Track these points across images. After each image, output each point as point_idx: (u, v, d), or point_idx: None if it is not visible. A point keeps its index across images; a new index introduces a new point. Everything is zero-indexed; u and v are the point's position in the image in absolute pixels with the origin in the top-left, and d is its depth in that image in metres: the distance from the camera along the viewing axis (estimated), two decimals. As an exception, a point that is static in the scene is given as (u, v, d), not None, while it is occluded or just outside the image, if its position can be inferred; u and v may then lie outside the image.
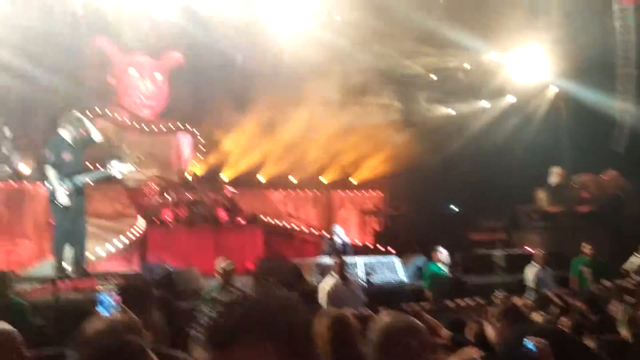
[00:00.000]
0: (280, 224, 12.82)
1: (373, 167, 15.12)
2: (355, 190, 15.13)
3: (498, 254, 10.84)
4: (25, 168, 11.46)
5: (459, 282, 8.13)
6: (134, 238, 10.27)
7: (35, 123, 11.62)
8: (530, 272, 8.32)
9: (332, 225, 11.24)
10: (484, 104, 15.02)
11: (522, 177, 11.88)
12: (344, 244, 10.08)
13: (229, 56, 14.15)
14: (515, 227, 12.15)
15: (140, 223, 10.79)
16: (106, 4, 12.37)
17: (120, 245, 9.96)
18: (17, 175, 11.02)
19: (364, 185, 15.26)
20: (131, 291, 3.20)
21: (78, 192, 7.03)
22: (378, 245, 12.04)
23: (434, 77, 15.40)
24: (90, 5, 12.15)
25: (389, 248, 11.43)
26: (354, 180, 15.43)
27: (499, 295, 5.45)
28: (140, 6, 12.74)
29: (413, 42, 14.28)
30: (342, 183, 15.23)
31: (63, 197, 6.81)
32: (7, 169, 10.58)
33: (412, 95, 15.05)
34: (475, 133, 14.01)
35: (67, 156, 6.99)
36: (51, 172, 6.91)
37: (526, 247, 10.89)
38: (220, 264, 5.86)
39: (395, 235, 12.40)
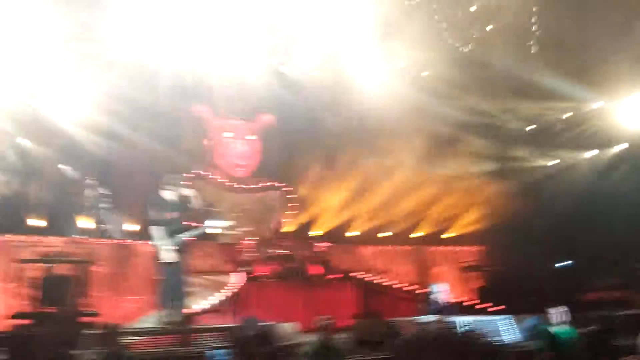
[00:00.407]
0: (373, 281, 12.52)
1: (470, 221, 14.59)
2: (451, 245, 14.61)
3: (615, 314, 9.89)
4: (129, 227, 12.24)
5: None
6: (229, 293, 10.42)
7: (136, 186, 12.39)
8: None
9: (430, 284, 10.78)
10: (592, 154, 14.12)
11: (637, 230, 10.84)
12: (443, 302, 9.61)
13: (317, 115, 14.53)
14: (635, 286, 11.02)
15: (235, 278, 10.97)
16: (203, 75, 13.31)
17: (217, 300, 10.12)
18: (122, 234, 11.78)
19: (458, 241, 14.70)
20: (240, 345, 3.30)
21: (180, 249, 7.30)
22: (481, 303, 11.34)
23: (533, 128, 14.86)
24: (189, 76, 13.14)
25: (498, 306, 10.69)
26: (446, 236, 14.94)
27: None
28: (233, 73, 13.56)
29: (510, 94, 13.92)
30: (436, 239, 14.79)
31: (168, 254, 7.09)
32: (109, 228, 11.26)
33: (511, 147, 14.51)
34: (584, 185, 13.11)
35: (169, 215, 7.32)
36: (156, 231, 7.25)
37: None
38: (321, 320, 5.72)
39: (500, 292, 11.61)
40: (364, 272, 12.61)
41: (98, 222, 11.00)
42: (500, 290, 11.68)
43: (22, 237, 10.29)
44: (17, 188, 11.08)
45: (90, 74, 11.76)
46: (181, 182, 7.56)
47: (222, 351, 2.89)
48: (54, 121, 11.75)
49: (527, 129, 14.88)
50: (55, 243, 9.85)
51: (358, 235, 14.42)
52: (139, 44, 12.16)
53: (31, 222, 11.21)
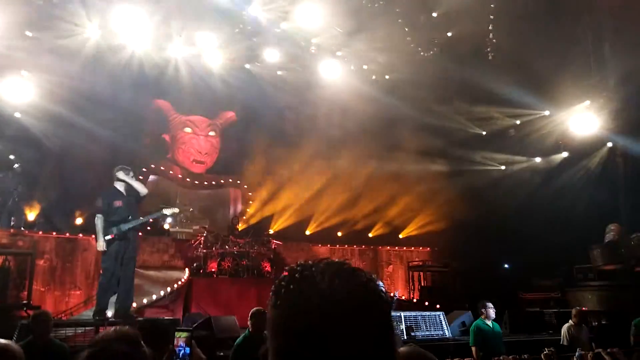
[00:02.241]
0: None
1: (421, 223, 14.87)
2: (402, 247, 14.86)
3: (550, 312, 10.39)
4: (78, 221, 12.04)
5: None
6: (178, 288, 10.38)
7: (92, 178, 12.23)
8: (564, 329, 8.06)
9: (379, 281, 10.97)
10: (538, 160, 14.64)
11: (577, 235, 11.30)
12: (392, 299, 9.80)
13: (279, 113, 14.59)
14: (571, 286, 11.58)
15: (185, 274, 10.94)
16: (165, 69, 13.23)
17: (164, 295, 10.07)
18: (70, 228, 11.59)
19: (412, 241, 14.97)
20: (153, 331, 3.44)
21: (122, 239, 7.15)
22: (424, 301, 11.64)
23: (484, 133, 15.26)
24: (152, 70, 13.04)
25: (436, 304, 11.07)
26: (401, 236, 15.19)
27: (547, 350, 5.09)
28: (196, 69, 13.51)
29: (466, 99, 14.27)
30: (391, 238, 15.02)
31: (102, 243, 7.02)
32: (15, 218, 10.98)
33: (462, 152, 14.86)
34: (529, 190, 13.58)
35: (117, 204, 7.23)
36: (99, 221, 7.17)
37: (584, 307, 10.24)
38: (253, 312, 5.72)
39: (443, 292, 12.00)
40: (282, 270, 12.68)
41: (8, 211, 10.65)
42: (443, 289, 12.02)
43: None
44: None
45: (50, 64, 11.55)
46: (131, 174, 7.45)
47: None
48: (6, 110, 11.51)
49: (481, 133, 15.25)
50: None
51: (314, 233, 14.50)
52: (103, 34, 12.02)
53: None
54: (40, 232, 10.72)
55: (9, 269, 8.65)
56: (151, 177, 13.87)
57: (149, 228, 12.00)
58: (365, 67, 14.94)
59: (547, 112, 13.92)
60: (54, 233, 10.99)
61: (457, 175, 14.35)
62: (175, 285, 10.31)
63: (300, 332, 0.91)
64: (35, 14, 11.35)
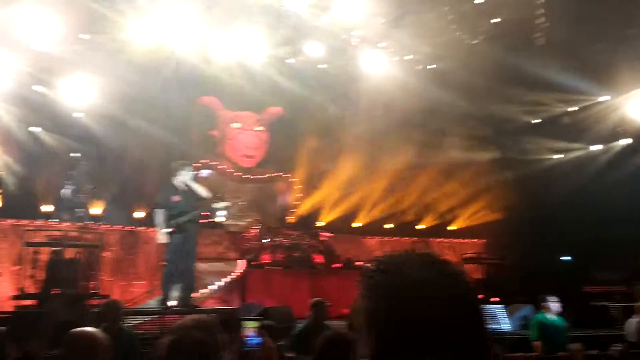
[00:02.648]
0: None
1: (473, 214, 14.68)
2: (454, 238, 14.73)
3: (616, 306, 9.97)
4: (139, 214, 12.58)
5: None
6: (234, 279, 10.68)
7: (149, 175, 12.72)
8: (631, 324, 7.62)
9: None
10: (595, 148, 14.09)
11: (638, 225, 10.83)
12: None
13: (324, 107, 14.68)
14: (638, 279, 11.04)
15: (240, 265, 11.23)
16: (212, 66, 13.56)
17: (221, 286, 10.39)
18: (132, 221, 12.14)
19: (464, 233, 14.81)
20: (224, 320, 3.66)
21: (181, 232, 7.38)
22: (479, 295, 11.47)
23: (536, 121, 14.87)
24: (198, 67, 13.40)
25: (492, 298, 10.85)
26: (452, 228, 15.06)
27: (618, 346, 4.96)
28: (241, 65, 13.78)
29: (516, 86, 13.91)
30: (441, 230, 14.91)
31: (162, 236, 7.29)
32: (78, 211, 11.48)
33: (517, 141, 14.50)
34: (587, 179, 13.08)
35: (175, 198, 7.50)
36: (159, 214, 7.46)
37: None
38: (315, 301, 5.86)
39: (499, 285, 11.74)
40: (368, 262, 12.76)
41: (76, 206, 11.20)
42: (498, 282, 11.79)
43: (36, 222, 10.71)
44: (30, 175, 11.43)
45: (101, 65, 12.07)
46: (188, 169, 7.70)
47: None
48: (66, 110, 12.13)
49: (533, 121, 14.86)
50: (66, 228, 10.19)
51: (363, 225, 14.56)
52: (150, 34, 12.42)
53: (45, 208, 11.58)
54: (106, 226, 11.28)
55: (79, 260, 9.15)
56: (203, 172, 14.26)
57: (203, 221, 12.36)
58: (409, 57, 14.84)
59: (604, 98, 13.40)
60: (118, 226, 11.56)
61: (509, 164, 14.04)
62: (231, 276, 10.61)
63: (395, 324, 0.92)
64: (88, 17, 11.82)
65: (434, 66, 14.83)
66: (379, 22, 13.35)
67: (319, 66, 14.50)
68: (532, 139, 14.53)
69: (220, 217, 11.13)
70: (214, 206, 7.51)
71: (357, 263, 12.36)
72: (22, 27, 10.84)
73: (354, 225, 14.55)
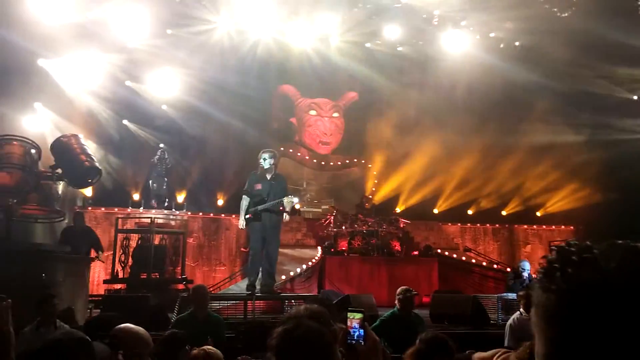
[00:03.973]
0: (457, 258, 12.29)
1: (561, 200, 13.81)
2: (541, 225, 13.96)
3: None
4: (220, 202, 13.00)
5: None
6: (312, 266, 10.74)
7: (229, 164, 13.09)
8: None
9: (520, 261, 10.39)
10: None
11: None
12: (531, 280, 9.22)
13: (403, 90, 14.34)
14: None
15: (319, 252, 11.27)
16: (288, 54, 13.66)
17: (300, 272, 10.47)
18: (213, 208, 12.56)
19: (552, 219, 13.99)
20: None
21: (260, 219, 7.40)
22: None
23: (635, 98, 13.68)
24: (276, 56, 13.55)
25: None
26: (539, 214, 14.27)
27: None
28: (318, 52, 13.78)
29: (610, 61, 12.84)
30: (527, 216, 14.18)
31: (242, 222, 7.40)
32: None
33: (608, 120, 13.42)
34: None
35: (257, 186, 7.55)
36: (243, 200, 7.57)
37: None
38: (402, 290, 5.67)
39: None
40: (448, 249, 12.42)
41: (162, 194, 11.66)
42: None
43: (126, 210, 11.32)
44: (121, 165, 12.07)
45: (185, 58, 12.53)
46: (270, 157, 7.70)
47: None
48: (152, 102, 12.72)
49: (631, 97, 13.65)
50: (153, 215, 10.66)
51: (443, 212, 14.15)
52: (230, 26, 12.70)
53: (134, 196, 12.24)
54: (189, 213, 11.73)
55: (165, 246, 9.57)
56: (284, 160, 14.43)
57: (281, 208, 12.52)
58: (492, 35, 14.15)
59: None
60: (200, 214, 11.98)
61: (603, 146, 12.97)
62: (310, 263, 10.67)
63: (584, 320, 0.82)
64: (173, 12, 12.28)
65: (518, 44, 14.05)
66: (460, 0, 12.84)
67: (398, 49, 14.19)
68: (630, 118, 13.36)
69: (297, 203, 11.21)
70: (289, 199, 7.41)
71: (437, 250, 12.04)
72: (113, 26, 11.48)
73: (433, 211, 14.15)
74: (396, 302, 5.58)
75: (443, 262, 11.63)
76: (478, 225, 13.95)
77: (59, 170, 6.49)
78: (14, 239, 6.25)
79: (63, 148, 6.54)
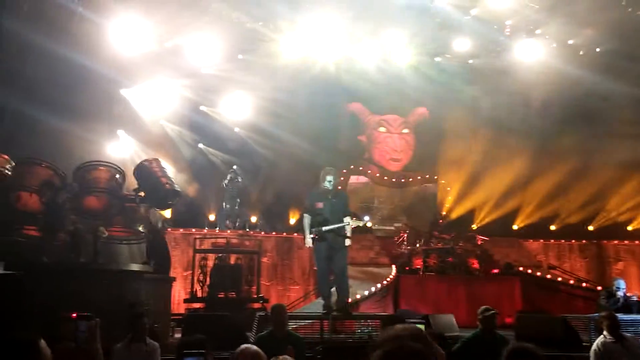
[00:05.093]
0: (543, 276, 11.61)
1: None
2: (634, 240, 12.98)
3: None
4: (292, 221, 13.13)
5: None
6: (386, 285, 10.51)
7: (299, 183, 13.22)
8: None
9: (613, 279, 9.63)
10: None
11: None
12: (627, 300, 8.50)
13: (472, 103, 13.95)
14: None
15: (393, 271, 11.03)
16: (356, 72, 13.67)
17: (374, 291, 10.27)
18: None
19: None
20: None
21: (324, 240, 7.26)
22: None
23: None
24: (343, 74, 13.61)
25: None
26: (630, 228, 13.29)
27: None
28: (387, 70, 13.71)
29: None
30: (616, 232, 13.24)
31: (308, 240, 7.30)
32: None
33: None
34: None
35: (319, 205, 7.46)
36: (306, 219, 7.50)
37: None
38: (484, 311, 5.39)
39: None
40: (531, 267, 11.78)
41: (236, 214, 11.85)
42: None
43: (203, 231, 11.65)
44: (197, 187, 12.49)
45: (257, 82, 12.88)
46: (334, 175, 7.62)
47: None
48: (225, 126, 13.14)
49: None
50: (228, 235, 10.90)
51: (523, 228, 13.50)
52: (297, 47, 12.93)
53: (209, 217, 12.61)
54: (262, 233, 11.90)
55: (241, 266, 9.73)
56: (353, 178, 14.37)
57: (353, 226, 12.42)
58: (570, 42, 13.48)
59: None
60: (273, 233, 12.13)
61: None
62: (384, 282, 10.46)
63: None
64: (244, 37, 12.65)
65: (599, 50, 13.28)
66: (534, 8, 12.36)
67: (469, 61, 13.85)
68: None
69: (368, 222, 11.09)
70: (347, 223, 7.21)
71: (518, 268, 11.45)
72: (187, 53, 12.02)
73: (512, 227, 13.54)
74: (478, 322, 5.32)
75: (526, 281, 11.02)
76: (562, 241, 13.17)
77: (142, 193, 6.75)
78: (101, 260, 6.54)
79: (145, 172, 6.82)
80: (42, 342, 1.88)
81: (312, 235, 7.22)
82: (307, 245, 7.38)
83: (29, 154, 7.19)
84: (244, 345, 2.79)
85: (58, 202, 6.50)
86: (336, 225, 7.13)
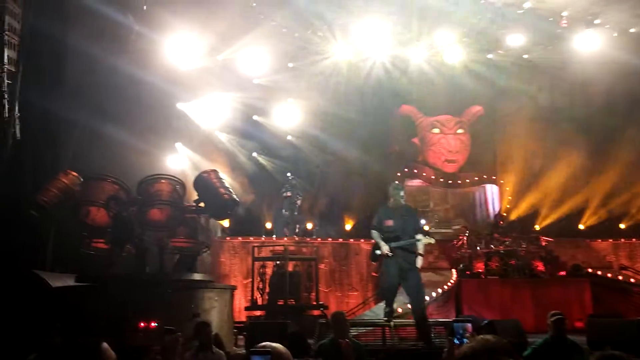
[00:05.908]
0: (612, 277, 11.04)
1: None
2: None
3: None
4: (347, 227, 13.12)
5: None
6: (447, 290, 10.28)
7: (352, 186, 13.17)
8: None
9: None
10: None
11: None
12: None
13: (530, 99, 13.48)
14: None
15: (453, 275, 10.79)
16: (407, 75, 13.53)
17: (435, 297, 10.07)
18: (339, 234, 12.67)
19: None
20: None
21: (393, 256, 7.09)
22: None
23: None
24: (394, 79, 13.50)
25: None
26: None
27: None
28: (439, 70, 13.49)
29: None
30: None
31: (385, 248, 7.17)
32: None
33: None
34: None
35: (387, 222, 7.30)
36: (375, 234, 7.38)
37: None
38: (553, 316, 5.16)
39: None
40: (600, 269, 11.23)
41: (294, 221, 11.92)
42: None
43: (260, 239, 11.82)
44: (254, 196, 12.70)
45: (308, 90, 13.00)
46: (404, 190, 7.45)
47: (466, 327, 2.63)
48: (278, 134, 13.32)
49: None
50: (285, 243, 10.98)
51: (590, 227, 12.90)
52: (348, 53, 12.94)
53: (267, 225, 12.79)
54: (319, 239, 11.93)
55: (299, 273, 9.78)
56: (409, 182, 14.17)
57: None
58: (632, 30, 12.80)
59: None
60: (330, 239, 12.13)
61: None
62: (445, 287, 10.24)
63: None
64: (293, 46, 12.78)
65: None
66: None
67: (524, 56, 13.41)
68: None
69: (426, 225, 10.91)
70: (416, 239, 7.03)
71: (587, 270, 10.93)
72: (239, 65, 12.29)
73: (579, 227, 12.96)
74: (547, 327, 5.11)
75: (595, 283, 10.52)
76: (634, 240, 12.48)
77: (202, 204, 6.91)
78: (166, 271, 6.74)
79: (204, 183, 6.98)
80: (105, 345, 2.07)
81: (381, 252, 7.00)
82: (385, 251, 7.14)
83: (95, 168, 7.52)
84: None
85: (124, 216, 6.74)
86: (408, 241, 6.95)
